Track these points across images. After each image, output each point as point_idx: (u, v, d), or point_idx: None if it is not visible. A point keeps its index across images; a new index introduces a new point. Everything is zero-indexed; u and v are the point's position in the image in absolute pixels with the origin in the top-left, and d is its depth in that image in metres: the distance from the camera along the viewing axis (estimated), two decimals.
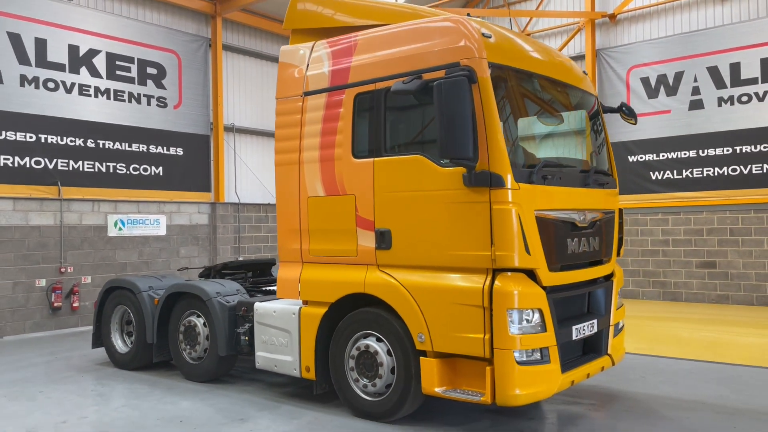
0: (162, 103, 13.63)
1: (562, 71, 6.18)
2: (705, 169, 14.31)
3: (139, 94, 13.23)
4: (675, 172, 14.67)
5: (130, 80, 13.10)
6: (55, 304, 11.62)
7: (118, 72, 12.90)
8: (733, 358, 8.38)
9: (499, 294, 5.08)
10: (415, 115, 5.88)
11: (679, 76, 14.69)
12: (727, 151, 14.06)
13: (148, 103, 13.39)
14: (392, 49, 5.80)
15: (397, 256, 5.68)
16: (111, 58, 12.80)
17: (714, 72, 14.25)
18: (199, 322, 7.44)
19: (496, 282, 5.12)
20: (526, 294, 5.14)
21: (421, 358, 5.46)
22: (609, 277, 6.39)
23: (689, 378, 7.35)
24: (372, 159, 5.82)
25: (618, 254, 6.56)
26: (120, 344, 8.44)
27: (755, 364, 8.01)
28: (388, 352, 5.72)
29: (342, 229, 6.03)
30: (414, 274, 5.57)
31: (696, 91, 14.47)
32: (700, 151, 14.38)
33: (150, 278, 8.37)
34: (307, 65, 6.43)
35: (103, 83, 12.65)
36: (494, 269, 5.18)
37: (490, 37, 5.40)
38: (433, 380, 5.38)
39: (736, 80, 13.97)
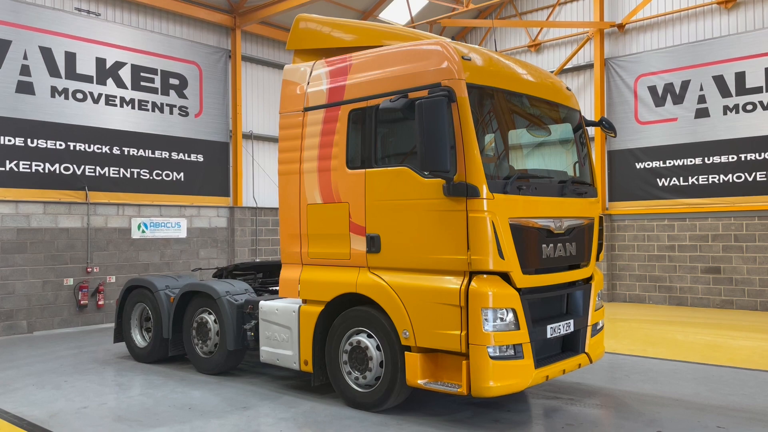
0: (184, 112, 14.33)
1: (545, 89, 6.64)
2: (710, 176, 14.56)
3: (162, 104, 13.94)
4: (681, 178, 14.94)
5: (154, 90, 13.82)
6: (82, 302, 12.35)
7: (142, 83, 13.63)
8: (721, 359, 8.71)
9: (474, 294, 5.56)
10: (401, 131, 6.39)
11: (685, 84, 14.97)
12: (732, 158, 14.30)
13: (171, 113, 14.09)
14: (383, 70, 6.33)
15: (385, 259, 6.19)
16: (136, 69, 13.52)
17: (720, 81, 14.51)
18: (210, 319, 8.03)
19: (472, 283, 5.61)
20: (500, 295, 5.61)
21: (405, 352, 5.96)
22: (588, 280, 6.82)
23: (671, 377, 7.73)
24: (364, 170, 6.35)
25: (597, 259, 6.98)
26: (139, 339, 9.07)
27: (740, 365, 8.34)
28: (378, 348, 6.23)
29: (337, 234, 6.57)
30: (400, 275, 6.08)
31: (702, 99, 14.74)
32: (706, 159, 14.64)
33: (167, 278, 8.99)
34: (308, 83, 6.99)
35: (128, 94, 13.38)
36: (471, 272, 5.66)
37: (470, 60, 5.89)
38: (416, 373, 5.87)
39: (741, 89, 14.21)
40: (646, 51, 15.72)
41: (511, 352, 5.67)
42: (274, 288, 8.71)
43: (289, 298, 7.15)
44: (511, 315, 5.67)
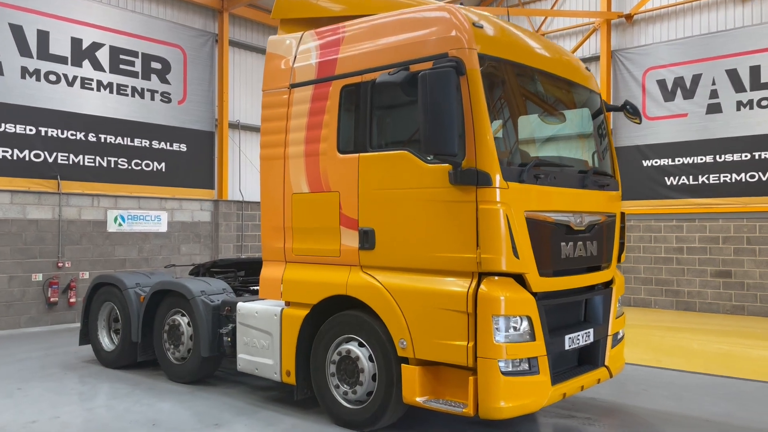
0: (166, 98, 13.48)
1: (563, 67, 5.85)
2: (722, 175, 13.83)
3: (142, 89, 13.08)
4: (691, 177, 14.21)
5: (134, 74, 12.96)
6: (52, 299, 11.49)
7: (121, 66, 12.77)
8: (745, 372, 7.96)
9: (484, 299, 4.76)
10: (401, 109, 5.59)
11: (696, 78, 14.23)
12: (746, 156, 13.57)
13: (152, 98, 13.24)
14: (380, 40, 5.52)
15: (380, 257, 5.39)
16: (114, 51, 12.66)
17: (733, 75, 13.78)
18: (183, 321, 7.21)
19: (482, 287, 4.81)
20: (514, 300, 4.82)
21: (402, 365, 5.17)
22: (608, 284, 6.05)
23: (695, 392, 6.97)
24: (357, 154, 5.54)
25: (618, 260, 6.21)
26: (106, 342, 8.23)
27: (765, 379, 7.58)
28: (370, 358, 5.43)
29: (325, 228, 5.76)
30: (397, 276, 5.27)
31: (714, 94, 14.01)
32: (717, 157, 13.91)
33: (138, 275, 8.16)
34: (295, 56, 6.17)
35: (106, 77, 12.52)
36: (480, 273, 4.87)
37: (482, 28, 5.09)
38: (414, 389, 5.08)
39: (756, 83, 13.49)
40: (655, 43, 14.96)
41: (526, 366, 4.88)
42: (256, 288, 7.86)
43: (270, 300, 6.33)
44: (525, 323, 4.88)
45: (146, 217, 13.02)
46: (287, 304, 6.09)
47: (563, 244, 5.31)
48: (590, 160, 6.17)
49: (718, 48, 14.00)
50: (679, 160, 14.40)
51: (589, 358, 5.76)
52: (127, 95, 12.82)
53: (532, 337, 4.90)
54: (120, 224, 12.60)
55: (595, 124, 6.25)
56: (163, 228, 13.29)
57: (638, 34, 15.29)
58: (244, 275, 8.53)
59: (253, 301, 6.61)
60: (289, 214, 6.06)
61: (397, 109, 5.61)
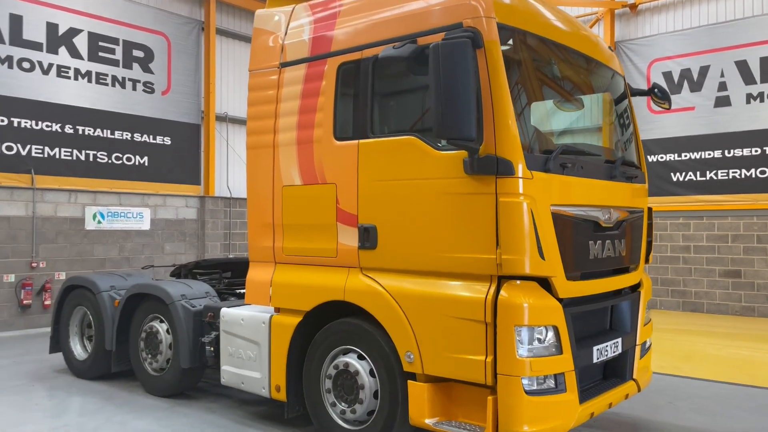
0: (149, 88, 12.74)
1: (586, 44, 5.21)
2: (731, 171, 13.28)
3: (123, 78, 12.34)
4: (698, 173, 13.64)
5: (114, 63, 12.21)
6: (25, 302, 10.74)
7: (101, 53, 12.02)
8: None
9: (506, 307, 4.11)
10: (408, 89, 4.93)
11: (704, 70, 13.66)
12: (756, 151, 13.02)
13: (134, 88, 12.50)
14: (383, 10, 4.86)
15: (383, 258, 4.72)
16: (93, 38, 11.91)
17: (742, 66, 13.22)
18: (161, 328, 6.52)
19: (502, 292, 4.16)
20: (539, 307, 4.17)
21: (409, 381, 4.51)
22: (635, 288, 5.43)
23: (724, 405, 6.36)
24: (356, 141, 4.87)
25: (646, 261, 5.60)
26: (79, 350, 7.52)
27: None
28: (371, 373, 4.77)
29: (320, 225, 5.09)
30: (403, 279, 4.61)
31: (722, 86, 13.45)
32: (726, 152, 13.35)
33: (113, 276, 7.46)
34: (285, 32, 5.49)
35: (84, 65, 11.77)
36: (500, 276, 4.22)
37: None
38: (423, 409, 4.42)
39: (767, 75, 12.93)
40: (660, 33, 14.37)
41: (551, 383, 4.24)
42: (243, 290, 7.20)
43: (257, 306, 5.65)
44: (551, 334, 4.24)
45: (127, 214, 12.29)
46: (277, 310, 5.42)
47: (591, 243, 4.67)
48: (615, 148, 5.53)
49: (727, 38, 13.43)
50: (685, 156, 13.82)
51: (616, 370, 5.14)
52: (107, 84, 12.08)
53: (559, 350, 4.26)
54: (99, 222, 11.86)
55: (619, 109, 5.63)
56: (145, 226, 12.56)
57: (643, 25, 14.70)
58: (231, 277, 7.86)
59: (239, 306, 5.93)
60: (279, 210, 5.39)
61: (403, 89, 4.95)
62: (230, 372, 5.69)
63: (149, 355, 6.63)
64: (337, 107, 5.03)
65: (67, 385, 7.06)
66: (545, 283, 4.29)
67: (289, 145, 5.31)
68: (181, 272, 7.80)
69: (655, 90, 5.74)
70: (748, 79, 13.14)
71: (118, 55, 12.28)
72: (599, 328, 5.07)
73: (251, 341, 5.51)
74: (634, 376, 5.19)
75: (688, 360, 8.52)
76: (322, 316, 5.11)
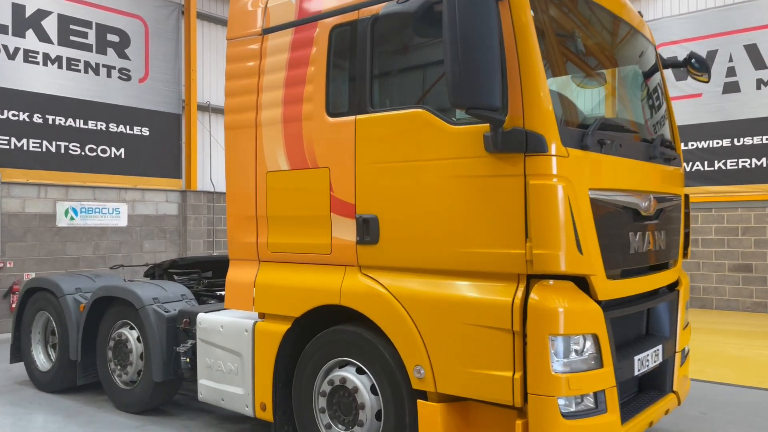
0: (125, 75, 11.91)
1: (619, 6, 4.49)
2: (741, 160, 12.66)
3: (97, 64, 11.50)
4: (706, 163, 13.01)
5: (87, 48, 11.37)
6: None
7: (72, 37, 11.17)
8: None
9: (538, 312, 3.40)
10: (414, 52, 4.20)
11: (712, 55, 13.00)
12: (767, 139, 12.41)
13: (108, 75, 11.67)
14: None
15: (386, 254, 3.99)
16: (64, 21, 11.06)
17: (752, 50, 12.59)
18: (131, 335, 5.77)
19: (533, 294, 3.44)
20: (577, 312, 3.47)
21: (418, 401, 3.80)
22: (673, 287, 4.74)
23: (763, 416, 5.70)
24: (353, 117, 4.13)
25: (684, 255, 4.91)
26: (42, 360, 6.74)
27: None
28: (373, 390, 4.04)
29: (311, 216, 4.35)
30: (410, 279, 3.89)
31: (731, 72, 12.81)
32: (736, 140, 12.73)
33: (80, 277, 6.68)
34: None
35: (54, 50, 10.92)
36: (529, 275, 3.50)
37: None
38: None
39: None
40: (665, 17, 13.71)
41: (591, 403, 3.54)
42: (223, 293, 6.45)
43: (239, 311, 4.90)
44: (590, 345, 3.54)
45: (103, 210, 11.47)
46: (261, 316, 4.68)
47: (631, 234, 3.97)
48: (651, 126, 4.83)
49: (736, 21, 12.80)
50: (693, 144, 13.18)
51: (655, 381, 4.45)
52: (79, 71, 11.24)
53: (599, 363, 3.56)
54: (72, 218, 11.04)
55: (653, 82, 4.93)
56: (122, 222, 11.75)
57: (647, 8, 14.02)
58: (212, 277, 7.09)
59: (218, 311, 5.18)
60: (263, 199, 4.64)
61: (408, 53, 4.21)
62: (209, 387, 4.95)
63: (118, 367, 5.88)
64: (329, 78, 4.28)
65: (28, 400, 6.28)
66: (581, 283, 3.59)
67: (274, 124, 4.56)
68: (155, 272, 7.02)
69: (692, 60, 5.04)
70: (758, 63, 12.53)
71: (91, 39, 11.45)
72: (636, 334, 4.39)
73: (232, 352, 4.77)
74: (674, 388, 4.51)
75: (711, 362, 7.86)
76: (314, 323, 4.38)
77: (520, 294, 3.48)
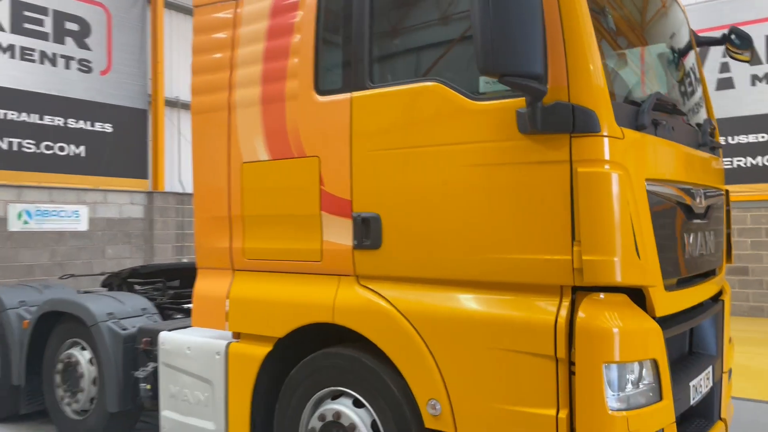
0: (85, 67, 11.07)
1: None
2: (735, 159, 12.22)
3: (54, 55, 10.65)
4: None
5: (43, 36, 10.55)
6: None
7: (26, 25, 10.38)
8: None
9: (590, 334, 2.70)
10: (426, 10, 3.46)
11: (704, 50, 12.58)
12: (762, 137, 12.00)
13: (67, 66, 10.82)
14: None
15: (391, 261, 3.26)
16: (17, 6, 10.29)
17: None
18: (83, 357, 4.96)
19: (580, 312, 2.74)
20: (637, 334, 2.79)
21: None
22: (717, 297, 4.09)
23: None
24: (349, 95, 3.40)
25: (728, 260, 4.28)
26: None
27: None
28: (374, 426, 3.29)
29: (297, 216, 3.61)
30: (421, 292, 3.16)
31: (725, 67, 12.38)
32: (730, 138, 12.29)
33: (25, 289, 5.85)
34: None
35: (6, 38, 10.13)
36: (574, 287, 2.80)
37: None
38: None
39: None
40: None
41: None
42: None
43: (209, 329, 4.11)
44: (649, 373, 2.86)
45: (60, 213, 10.68)
46: (236, 336, 3.90)
47: (685, 235, 3.30)
48: (694, 109, 4.19)
49: (729, 15, 12.39)
50: None
51: (700, 408, 3.77)
52: (33, 61, 10.41)
53: (657, 395, 2.88)
54: (26, 221, 10.21)
55: (689, 61, 4.29)
56: (82, 226, 10.91)
57: None
58: (180, 287, 6.27)
59: (185, 329, 4.39)
60: (238, 196, 3.88)
61: (420, 11, 3.47)
62: (173, 420, 4.16)
63: (68, 393, 5.06)
64: (319, 48, 3.54)
65: None
66: (636, 295, 2.90)
67: (251, 106, 3.81)
68: (113, 282, 6.19)
69: (732, 36, 4.42)
70: (754, 59, 12.11)
71: (48, 27, 10.62)
72: (680, 354, 3.72)
73: (201, 379, 3.99)
74: (722, 415, 3.85)
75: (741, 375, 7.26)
76: (301, 345, 3.62)
77: (564, 311, 2.77)
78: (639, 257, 2.77)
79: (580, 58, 2.74)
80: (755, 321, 11.43)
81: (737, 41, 4.42)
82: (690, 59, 4.31)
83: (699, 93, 4.35)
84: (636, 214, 2.77)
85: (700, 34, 4.83)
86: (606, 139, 2.72)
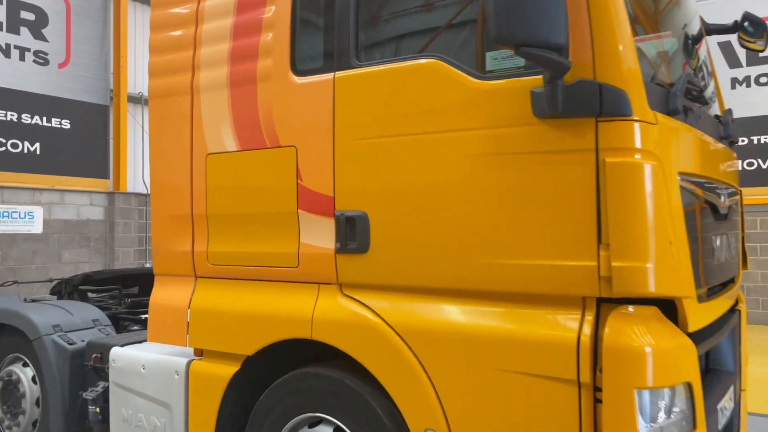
0: (42, 59, 10.45)
1: None
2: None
3: (8, 45, 10.04)
4: None
5: None
6: None
7: None
8: None
9: (620, 354, 2.28)
10: None
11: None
12: (743, 141, 11.84)
13: (22, 58, 10.20)
14: None
15: (379, 268, 2.81)
16: None
17: (726, 48, 12.05)
18: (25, 375, 4.42)
19: (607, 328, 2.32)
20: (672, 353, 2.38)
21: None
22: (734, 307, 3.73)
23: None
24: (331, 75, 2.94)
25: (744, 266, 3.92)
26: None
27: None
28: None
29: (270, 214, 3.14)
30: (415, 303, 2.72)
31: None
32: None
33: None
34: None
35: None
36: (599, 298, 2.38)
37: None
38: None
39: (754, 58, 11.82)
40: None
41: None
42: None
43: (167, 345, 3.61)
44: (683, 398, 2.45)
45: (12, 214, 10.09)
46: (199, 353, 3.41)
47: (713, 238, 2.92)
48: (712, 99, 3.85)
49: (709, 17, 12.19)
50: None
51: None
52: None
53: (691, 423, 2.48)
54: None
55: (702, 51, 3.95)
56: (36, 228, 10.28)
57: None
58: (138, 294, 5.74)
59: (141, 344, 3.88)
60: (202, 192, 3.39)
61: None
62: None
63: (8, 415, 4.53)
64: (296, 22, 3.08)
65: None
66: (667, 307, 2.49)
67: (218, 89, 3.33)
68: (63, 290, 5.61)
69: (745, 24, 4.08)
70: (733, 62, 12.00)
71: (1, 16, 9.91)
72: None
73: (158, 402, 3.49)
74: None
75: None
76: (273, 364, 3.15)
77: (587, 328, 2.35)
78: (675, 263, 2.37)
79: (608, 29, 2.33)
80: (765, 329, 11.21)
81: (751, 29, 4.08)
82: (703, 49, 3.96)
83: (712, 86, 4.00)
84: (670, 214, 2.37)
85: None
86: (637, 125, 2.31)
